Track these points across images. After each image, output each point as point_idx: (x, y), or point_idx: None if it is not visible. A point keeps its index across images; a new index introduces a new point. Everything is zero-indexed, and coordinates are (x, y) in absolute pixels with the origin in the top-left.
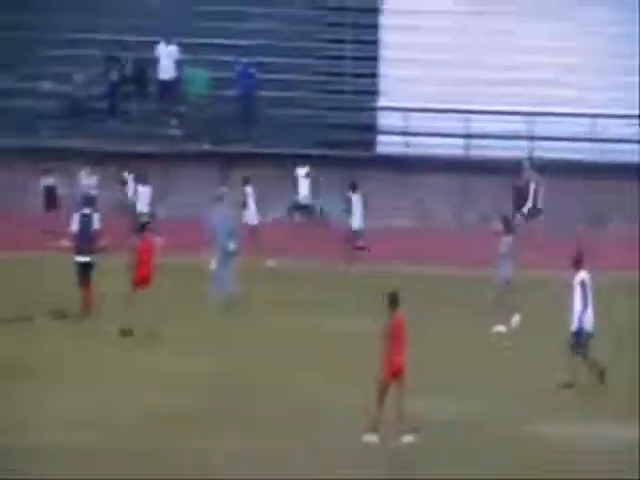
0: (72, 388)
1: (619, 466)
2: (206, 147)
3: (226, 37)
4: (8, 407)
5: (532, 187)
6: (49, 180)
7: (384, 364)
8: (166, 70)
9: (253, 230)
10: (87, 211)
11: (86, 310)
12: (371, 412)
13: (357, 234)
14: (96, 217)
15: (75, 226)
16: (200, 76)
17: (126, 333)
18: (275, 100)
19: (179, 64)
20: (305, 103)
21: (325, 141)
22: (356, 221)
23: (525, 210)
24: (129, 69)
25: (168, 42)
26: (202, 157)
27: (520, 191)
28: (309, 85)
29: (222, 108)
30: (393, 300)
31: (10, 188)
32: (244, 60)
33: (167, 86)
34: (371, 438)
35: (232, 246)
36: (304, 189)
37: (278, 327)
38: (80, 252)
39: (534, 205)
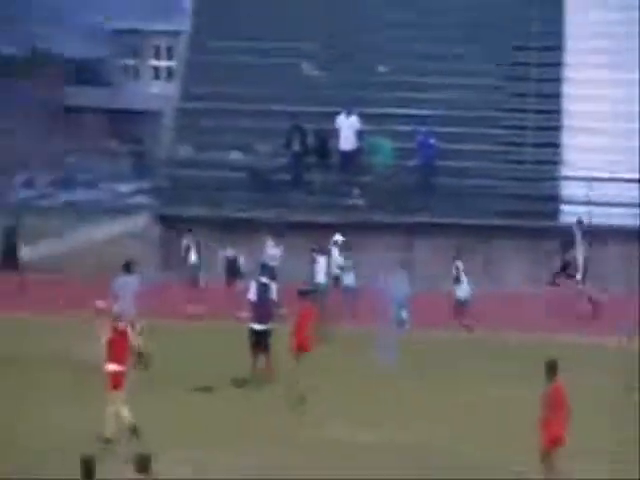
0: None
1: None
2: (389, 217)
3: (406, 107)
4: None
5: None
6: (230, 252)
7: (543, 432)
8: (348, 140)
9: (461, 304)
10: (265, 280)
11: (266, 377)
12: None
13: (463, 304)
14: (274, 286)
15: (252, 295)
16: (384, 146)
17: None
18: (455, 170)
19: (360, 134)
20: (486, 173)
21: (506, 211)
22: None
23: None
24: (311, 140)
25: (349, 112)
26: (385, 227)
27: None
28: (490, 155)
29: (404, 178)
30: (551, 368)
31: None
32: (423, 129)
33: (349, 156)
34: None
35: (404, 315)
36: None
37: (446, 396)
38: (257, 320)
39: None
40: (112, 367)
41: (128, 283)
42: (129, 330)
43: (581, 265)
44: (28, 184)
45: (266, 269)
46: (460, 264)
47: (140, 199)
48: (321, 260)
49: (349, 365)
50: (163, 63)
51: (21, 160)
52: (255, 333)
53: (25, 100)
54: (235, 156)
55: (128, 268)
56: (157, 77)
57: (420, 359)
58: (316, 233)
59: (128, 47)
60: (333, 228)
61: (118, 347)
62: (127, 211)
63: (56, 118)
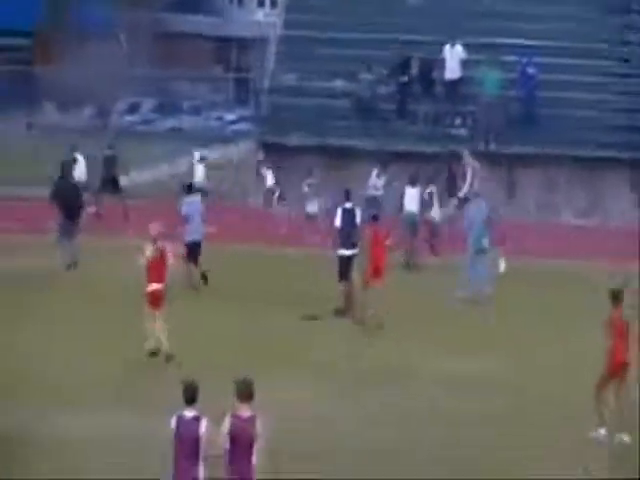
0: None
1: None
2: (492, 147)
3: (511, 37)
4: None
5: (469, 173)
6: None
7: (607, 359)
8: (452, 70)
9: None
10: (349, 205)
11: (349, 304)
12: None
13: None
14: (358, 212)
15: (339, 221)
16: (493, 76)
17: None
18: (557, 101)
19: (465, 64)
20: (589, 105)
21: (609, 143)
22: None
23: (461, 195)
24: (416, 69)
25: (454, 42)
26: (487, 157)
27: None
28: (594, 87)
29: (507, 109)
30: (616, 296)
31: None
32: (524, 60)
33: (453, 86)
34: (598, 434)
35: (484, 242)
36: None
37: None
38: (344, 246)
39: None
40: (152, 286)
41: (193, 204)
42: (167, 250)
43: None
44: (132, 110)
45: (370, 200)
46: None
47: (243, 126)
48: (412, 190)
49: (432, 295)
50: None
51: (126, 86)
52: (343, 259)
53: (130, 26)
54: (339, 84)
55: (190, 189)
56: (261, 4)
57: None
58: (418, 163)
59: None
60: (436, 158)
61: (157, 267)
62: (230, 138)
63: (161, 44)
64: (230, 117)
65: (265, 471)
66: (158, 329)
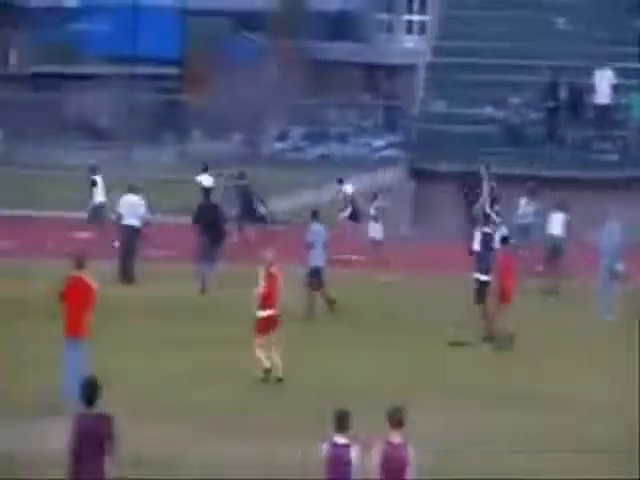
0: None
1: None
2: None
3: None
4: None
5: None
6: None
7: None
8: (603, 95)
9: None
10: (488, 230)
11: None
12: None
13: None
14: (497, 237)
15: (477, 244)
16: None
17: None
18: None
19: (615, 89)
20: None
21: None
22: None
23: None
24: (564, 94)
25: (604, 67)
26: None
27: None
28: None
29: None
30: None
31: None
32: None
33: (604, 111)
34: None
35: (618, 267)
36: None
37: None
38: (480, 270)
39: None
40: (262, 312)
41: (317, 231)
42: (279, 275)
43: None
44: (282, 137)
45: (521, 228)
46: None
47: (391, 152)
48: (557, 215)
49: (570, 318)
50: (416, 17)
51: (276, 113)
52: (480, 284)
53: (280, 54)
54: (488, 110)
55: (316, 216)
56: (410, 31)
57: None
58: (568, 188)
59: (382, 1)
60: (585, 184)
61: (270, 293)
62: (378, 165)
63: (311, 72)
64: (378, 144)
65: None
66: (272, 354)
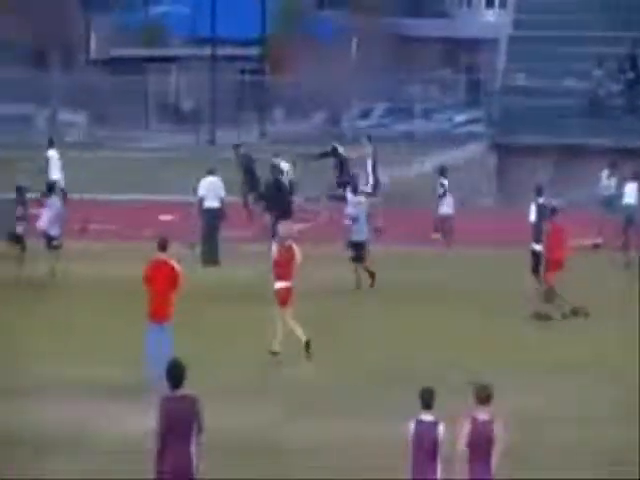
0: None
1: None
2: None
3: None
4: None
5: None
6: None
7: None
8: None
9: None
10: (542, 201)
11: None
12: None
13: None
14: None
15: (533, 216)
16: None
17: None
18: None
19: None
20: None
21: None
22: None
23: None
24: None
25: None
26: None
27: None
28: None
29: None
30: None
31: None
32: None
33: None
34: None
35: None
36: None
37: None
38: (536, 241)
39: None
40: (279, 284)
41: (360, 205)
42: (295, 247)
43: None
44: (365, 115)
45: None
46: None
47: (474, 128)
48: (632, 184)
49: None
50: None
51: (358, 91)
52: (535, 253)
53: (362, 32)
54: (569, 83)
55: (355, 191)
56: (490, 5)
57: None
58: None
59: None
60: None
61: (285, 265)
62: (462, 140)
63: (392, 48)
64: (460, 119)
65: (501, 474)
66: (286, 326)
